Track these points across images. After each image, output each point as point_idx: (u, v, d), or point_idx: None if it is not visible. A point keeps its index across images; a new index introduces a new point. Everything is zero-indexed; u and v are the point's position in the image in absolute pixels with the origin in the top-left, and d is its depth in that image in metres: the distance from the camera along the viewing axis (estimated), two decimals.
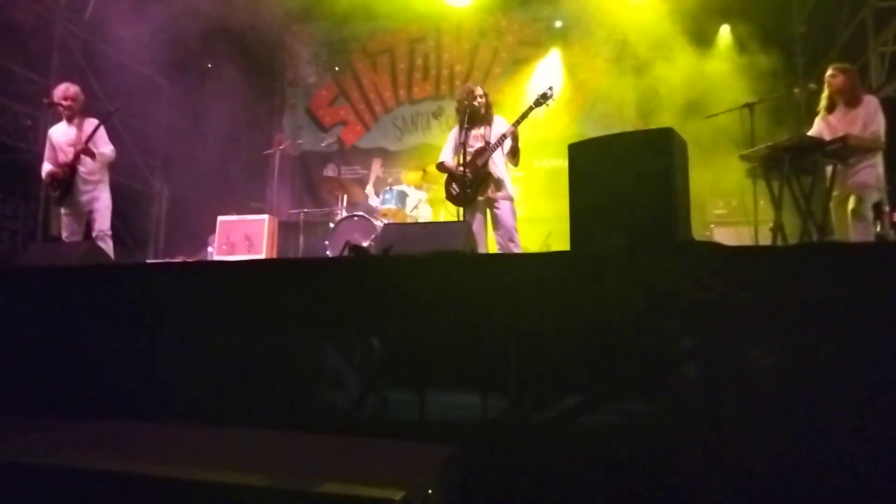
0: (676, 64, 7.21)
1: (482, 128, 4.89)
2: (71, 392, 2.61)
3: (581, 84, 8.14)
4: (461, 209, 4.74)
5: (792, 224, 4.29)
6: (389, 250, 2.74)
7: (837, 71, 4.42)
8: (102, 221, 5.12)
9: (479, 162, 4.74)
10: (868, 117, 4.23)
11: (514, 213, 4.85)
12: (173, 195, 9.13)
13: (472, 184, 4.72)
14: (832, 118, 4.44)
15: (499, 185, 4.80)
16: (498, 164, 4.82)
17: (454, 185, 4.87)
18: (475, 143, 4.84)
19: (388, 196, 6.42)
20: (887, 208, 4.79)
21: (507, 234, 4.77)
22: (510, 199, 4.85)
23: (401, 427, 2.22)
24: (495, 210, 4.80)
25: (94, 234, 5.05)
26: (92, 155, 5.02)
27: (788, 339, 1.91)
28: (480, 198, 4.78)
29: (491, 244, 4.90)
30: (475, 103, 4.83)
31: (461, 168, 4.66)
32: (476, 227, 4.68)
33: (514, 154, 4.80)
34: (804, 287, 1.92)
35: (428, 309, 2.31)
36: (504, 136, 4.70)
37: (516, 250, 4.74)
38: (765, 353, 1.97)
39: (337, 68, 9.14)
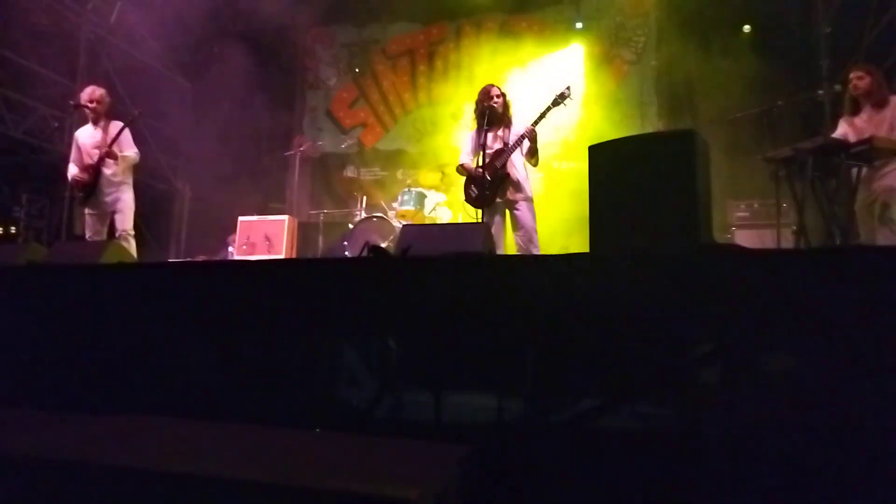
0: (699, 65, 7.14)
1: (501, 129, 4.89)
2: (91, 388, 2.65)
3: (602, 85, 8.09)
4: (480, 211, 4.74)
5: (815, 228, 4.22)
6: (408, 251, 2.74)
7: (864, 72, 4.34)
8: (125, 221, 5.19)
9: (498, 163, 4.73)
10: (894, 119, 4.16)
11: (533, 214, 4.83)
12: (195, 195, 9.24)
13: (491, 185, 4.72)
14: (858, 120, 4.36)
15: (518, 186, 4.79)
16: (517, 165, 4.82)
17: (473, 187, 4.87)
18: (494, 145, 4.83)
19: (406, 197, 6.43)
20: None
21: (526, 236, 4.76)
22: (530, 200, 4.85)
23: (417, 427, 2.22)
24: (515, 211, 4.79)
25: (116, 234, 5.12)
26: (114, 157, 5.10)
27: (810, 343, 1.88)
28: (500, 199, 4.78)
29: (510, 246, 4.89)
30: (492, 104, 4.82)
31: (480, 170, 4.66)
32: (495, 228, 4.68)
33: (532, 154, 4.80)
34: (827, 291, 1.88)
35: (446, 310, 2.31)
36: (522, 137, 4.69)
37: (536, 251, 4.73)
38: (786, 357, 1.94)
39: (357, 70, 9.18)
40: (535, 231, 4.81)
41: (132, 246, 5.07)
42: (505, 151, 4.76)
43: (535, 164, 4.92)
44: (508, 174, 4.75)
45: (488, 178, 4.68)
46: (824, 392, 1.82)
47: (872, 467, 1.71)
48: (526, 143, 4.73)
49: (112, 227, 5.20)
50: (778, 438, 1.83)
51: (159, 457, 1.65)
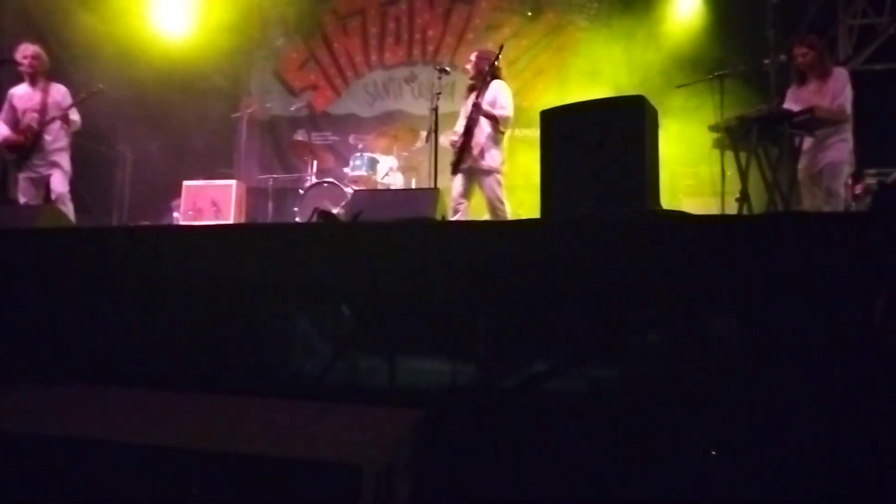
0: (649, 33, 7.20)
1: (476, 94, 4.88)
2: (28, 356, 2.56)
3: (556, 51, 8.08)
4: (435, 177, 4.75)
5: (758, 195, 4.34)
6: (359, 217, 2.71)
7: (806, 48, 4.43)
8: (61, 185, 5.02)
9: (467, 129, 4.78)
10: (837, 90, 4.27)
11: (498, 183, 4.86)
12: (137, 159, 8.89)
13: (459, 151, 4.78)
14: (804, 91, 4.46)
15: (481, 154, 4.82)
16: (482, 132, 4.83)
17: (455, 153, 4.92)
18: (468, 111, 4.88)
19: (358, 163, 6.34)
20: (850, 181, 4.87)
21: (490, 206, 4.85)
22: (493, 170, 4.88)
23: (370, 393, 2.22)
24: (478, 180, 4.86)
25: (53, 198, 4.95)
26: (68, 122, 4.99)
27: (751, 307, 1.94)
28: (464, 165, 4.82)
29: (481, 212, 4.96)
30: (465, 67, 4.94)
31: (454, 136, 4.78)
32: (460, 195, 4.83)
33: (492, 121, 4.81)
34: (768, 256, 1.95)
35: (398, 276, 2.30)
36: (475, 109, 4.76)
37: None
38: (728, 320, 2.00)
39: (306, 31, 8.90)
40: (500, 201, 4.84)
41: (70, 210, 4.91)
42: (471, 118, 4.78)
43: (501, 130, 4.90)
44: (467, 141, 4.78)
45: (458, 143, 4.78)
46: (765, 356, 1.89)
47: (810, 430, 1.80)
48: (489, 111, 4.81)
49: (48, 192, 5.01)
50: (718, 401, 1.90)
51: (102, 427, 1.61)
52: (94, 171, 7.56)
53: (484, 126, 4.82)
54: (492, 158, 4.86)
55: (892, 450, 1.73)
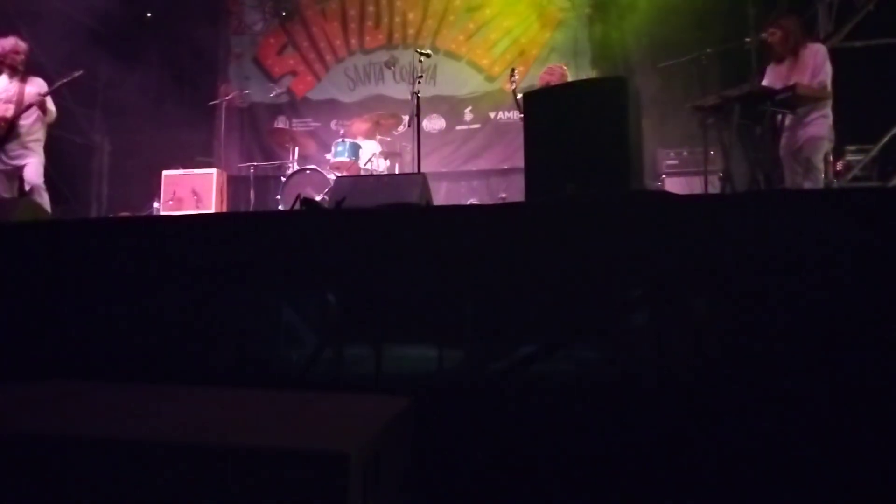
0: (629, 13, 7.18)
1: None
2: (8, 352, 2.51)
3: (536, 34, 8.03)
4: (418, 162, 4.75)
5: (741, 174, 4.37)
6: (342, 203, 2.69)
7: (775, 28, 4.51)
8: (36, 176, 4.96)
9: None
10: (816, 66, 4.31)
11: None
12: (115, 149, 8.76)
13: None
14: (782, 68, 4.50)
15: None
16: None
17: None
18: None
19: (340, 148, 6.29)
20: (831, 158, 4.91)
21: None
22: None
23: (357, 381, 2.21)
24: None
25: (27, 188, 4.90)
26: (44, 110, 4.94)
27: (736, 285, 1.95)
28: None
29: None
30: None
31: None
32: None
33: None
34: (752, 234, 1.95)
35: (382, 262, 2.28)
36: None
37: None
38: (713, 299, 2.01)
39: (284, 14, 8.77)
40: None
41: (45, 201, 4.87)
42: None
43: None
44: None
45: None
46: (751, 333, 1.90)
47: (794, 406, 1.81)
48: None
49: (22, 183, 4.94)
50: (704, 380, 1.90)
51: (84, 423, 1.58)
52: (71, 163, 7.45)
53: None
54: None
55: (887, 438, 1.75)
